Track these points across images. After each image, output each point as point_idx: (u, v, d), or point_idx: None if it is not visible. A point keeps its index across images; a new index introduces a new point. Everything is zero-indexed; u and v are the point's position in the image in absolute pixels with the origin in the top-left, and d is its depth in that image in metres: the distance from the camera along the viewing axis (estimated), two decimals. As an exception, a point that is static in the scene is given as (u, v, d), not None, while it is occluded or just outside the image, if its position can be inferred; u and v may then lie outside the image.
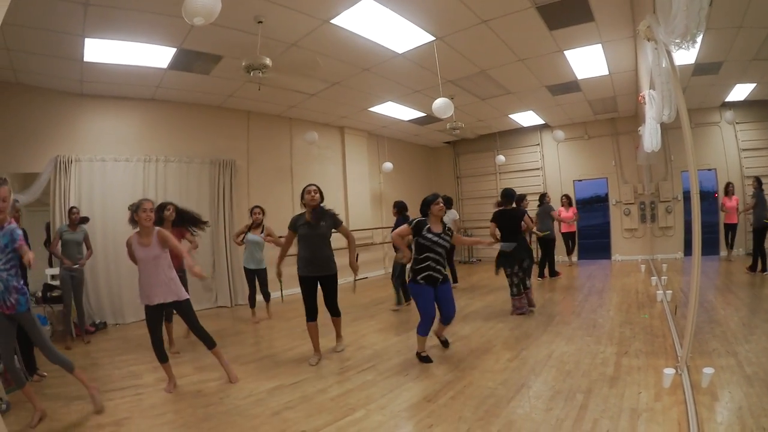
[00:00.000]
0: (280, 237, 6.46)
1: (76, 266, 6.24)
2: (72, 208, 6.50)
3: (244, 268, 7.26)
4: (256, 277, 7.20)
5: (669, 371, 3.62)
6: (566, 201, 10.82)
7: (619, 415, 3.16)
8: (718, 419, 2.96)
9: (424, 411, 3.51)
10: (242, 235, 7.10)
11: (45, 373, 4.86)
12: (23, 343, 4.77)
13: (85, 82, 7.12)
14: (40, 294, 6.50)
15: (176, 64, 6.72)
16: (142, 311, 7.33)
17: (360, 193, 12.26)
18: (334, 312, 5.25)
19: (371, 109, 10.27)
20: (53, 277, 6.76)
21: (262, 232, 7.08)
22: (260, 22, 5.52)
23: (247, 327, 6.90)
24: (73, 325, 6.53)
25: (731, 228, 8.85)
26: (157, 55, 6.42)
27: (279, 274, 5.10)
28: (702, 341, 4.51)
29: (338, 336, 5.50)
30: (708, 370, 3.46)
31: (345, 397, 3.91)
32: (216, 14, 4.14)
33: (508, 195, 6.78)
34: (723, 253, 9.64)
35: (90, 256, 6.58)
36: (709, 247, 8.90)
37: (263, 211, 7.14)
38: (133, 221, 4.21)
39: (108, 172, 7.58)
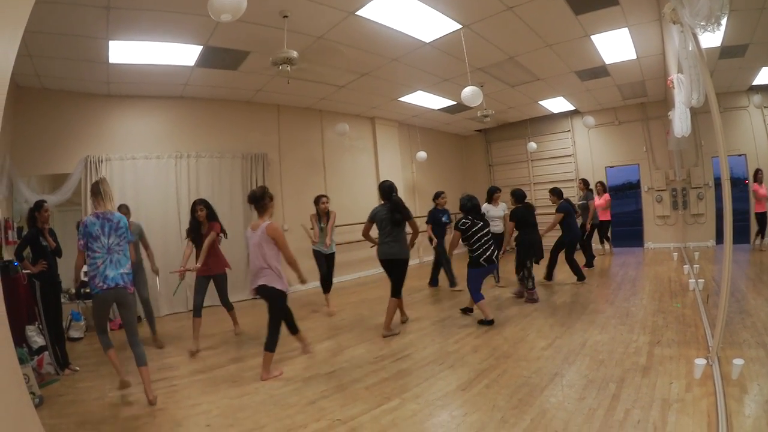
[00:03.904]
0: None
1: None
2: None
3: (315, 251, 7.24)
4: (326, 261, 7.22)
5: (700, 362, 3.58)
6: (600, 188, 10.43)
7: (650, 405, 3.15)
8: (746, 412, 2.93)
9: (458, 400, 3.54)
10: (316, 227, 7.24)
11: (77, 368, 4.99)
12: (55, 337, 4.92)
13: (111, 83, 7.24)
14: (73, 290, 6.65)
15: (203, 61, 6.81)
16: (176, 304, 7.77)
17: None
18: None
19: (401, 98, 10.27)
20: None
21: (328, 219, 7.21)
22: (285, 16, 5.56)
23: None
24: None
25: (761, 217, 8.63)
26: (184, 54, 6.50)
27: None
28: (733, 331, 4.46)
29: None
30: (738, 361, 3.41)
31: (380, 386, 3.96)
32: (243, 10, 4.17)
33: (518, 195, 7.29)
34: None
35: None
36: (740, 236, 8.74)
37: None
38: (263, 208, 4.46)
39: (139, 170, 7.72)
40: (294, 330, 4.77)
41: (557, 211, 7.89)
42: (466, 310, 6.32)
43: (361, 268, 10.72)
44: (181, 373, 4.72)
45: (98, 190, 3.99)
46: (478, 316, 5.87)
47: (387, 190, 5.75)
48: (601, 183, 10.62)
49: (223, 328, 6.44)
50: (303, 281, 4.56)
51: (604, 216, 10.43)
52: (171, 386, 4.34)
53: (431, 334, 5.51)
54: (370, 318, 6.55)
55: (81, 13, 4.97)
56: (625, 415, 3.04)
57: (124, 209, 5.74)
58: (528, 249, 6.91)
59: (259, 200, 4.41)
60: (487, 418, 3.17)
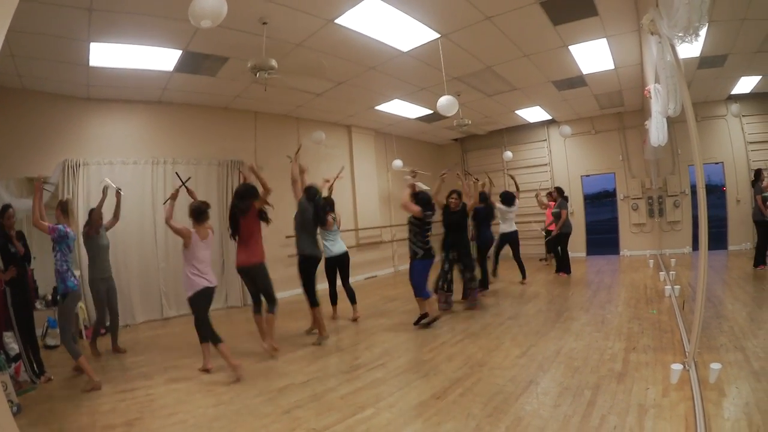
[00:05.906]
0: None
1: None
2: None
3: (325, 259, 6.62)
4: (339, 266, 6.83)
5: (677, 367, 3.63)
6: (550, 196, 10.16)
7: (626, 411, 3.17)
8: (725, 415, 2.96)
9: (432, 408, 3.53)
10: None
11: (51, 377, 4.90)
12: (32, 345, 4.84)
13: (91, 86, 7.15)
14: (50, 297, 6.51)
15: (182, 66, 6.75)
16: (151, 311, 7.66)
17: (368, 191, 12.22)
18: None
19: (378, 107, 10.29)
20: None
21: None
22: (265, 23, 5.54)
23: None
24: (84, 328, 6.58)
25: None
26: (163, 58, 6.44)
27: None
28: (710, 336, 4.50)
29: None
30: (715, 366, 3.45)
31: (354, 395, 3.94)
32: (223, 16, 4.15)
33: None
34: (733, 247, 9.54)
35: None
36: (717, 242, 8.85)
37: None
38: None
39: (116, 175, 7.50)
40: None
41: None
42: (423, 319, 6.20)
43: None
44: (156, 382, 4.66)
45: (67, 209, 4.91)
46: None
47: (314, 192, 6.07)
48: (549, 193, 10.27)
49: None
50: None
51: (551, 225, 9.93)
52: (147, 395, 4.28)
53: (405, 343, 5.52)
54: (345, 326, 6.56)
55: (64, 13, 4.90)
56: (601, 421, 3.06)
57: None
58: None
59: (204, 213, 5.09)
60: (461, 426, 3.17)
